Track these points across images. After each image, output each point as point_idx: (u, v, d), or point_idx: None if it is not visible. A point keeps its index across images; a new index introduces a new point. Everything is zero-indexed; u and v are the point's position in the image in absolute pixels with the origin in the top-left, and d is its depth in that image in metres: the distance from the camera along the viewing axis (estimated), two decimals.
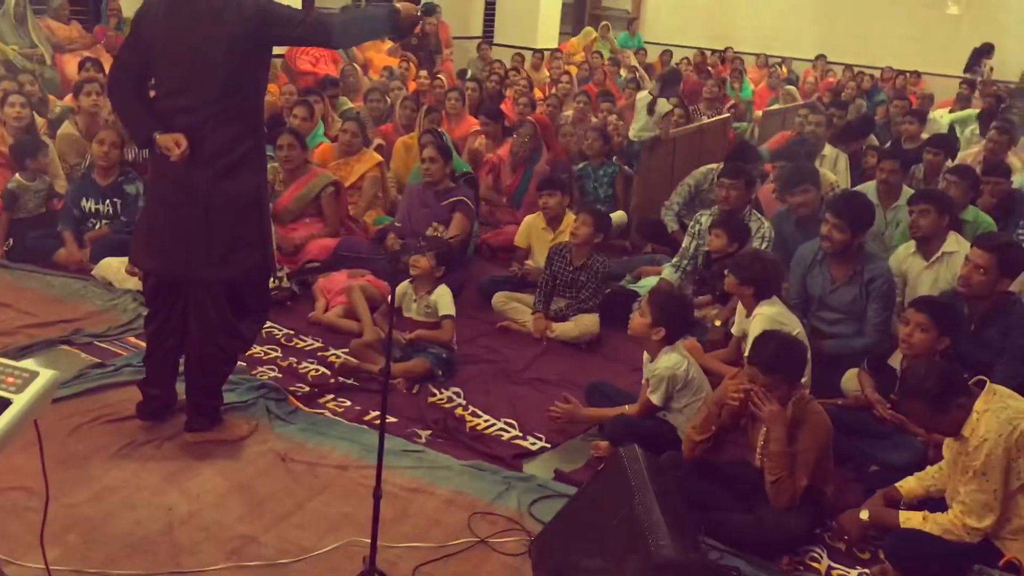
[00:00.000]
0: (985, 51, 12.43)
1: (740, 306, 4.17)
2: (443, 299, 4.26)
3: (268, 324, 4.60)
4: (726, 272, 4.10)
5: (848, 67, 12.74)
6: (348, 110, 7.60)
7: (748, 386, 3.07)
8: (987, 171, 5.70)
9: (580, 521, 2.74)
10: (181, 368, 3.51)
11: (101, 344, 4.25)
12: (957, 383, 2.84)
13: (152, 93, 3.29)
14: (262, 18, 3.07)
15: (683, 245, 5.16)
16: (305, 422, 3.71)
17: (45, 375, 1.89)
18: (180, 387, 3.55)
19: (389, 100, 7.50)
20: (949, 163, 6.48)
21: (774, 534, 3.02)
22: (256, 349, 4.32)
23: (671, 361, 3.51)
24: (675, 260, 5.17)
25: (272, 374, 4.12)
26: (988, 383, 2.87)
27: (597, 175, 6.52)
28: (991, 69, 12.26)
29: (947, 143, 6.74)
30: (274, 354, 4.34)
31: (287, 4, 3.22)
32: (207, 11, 3.06)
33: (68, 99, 6.82)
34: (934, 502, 3.10)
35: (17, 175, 5.38)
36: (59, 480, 3.03)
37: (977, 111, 9.22)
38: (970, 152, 7.38)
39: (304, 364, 4.26)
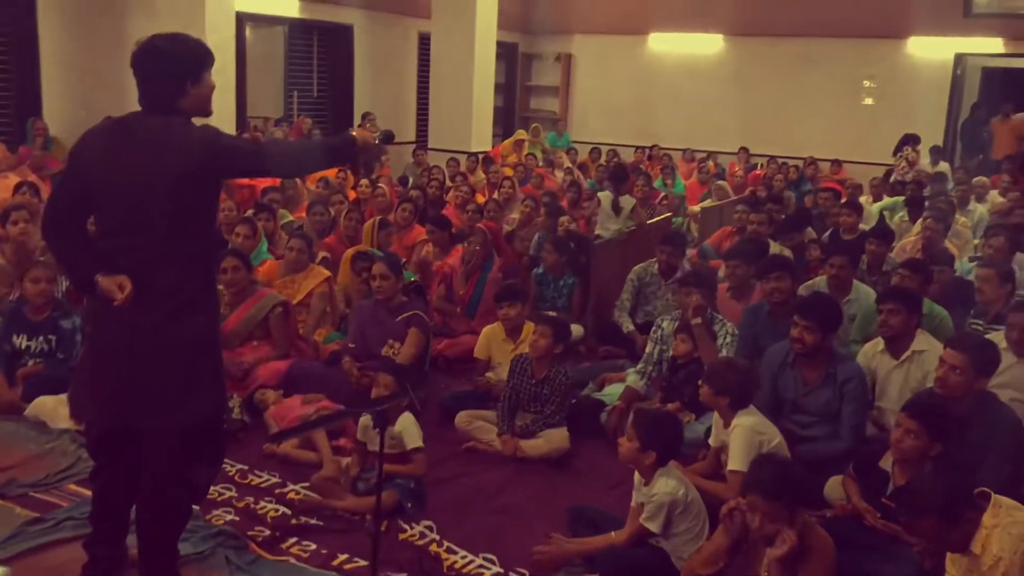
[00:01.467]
0: (909, 140, 12.94)
1: (717, 416, 4.07)
2: (409, 430, 4.01)
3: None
4: (700, 383, 4.00)
5: (771, 158, 13.12)
6: (289, 223, 7.44)
7: (751, 516, 2.95)
8: (932, 261, 5.79)
9: None
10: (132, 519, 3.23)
11: (37, 495, 3.91)
12: (967, 495, 2.75)
13: (93, 230, 3.08)
14: (209, 151, 2.84)
15: (647, 350, 5.07)
16: (270, 572, 3.43)
17: None
18: (131, 539, 3.25)
19: (332, 212, 7.37)
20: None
21: None
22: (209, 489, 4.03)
23: (669, 487, 3.35)
24: (639, 366, 5.07)
25: (228, 517, 3.83)
26: (993, 496, 2.78)
27: (556, 285, 6.45)
28: (916, 153, 12.70)
29: (887, 233, 6.89)
30: (229, 494, 4.05)
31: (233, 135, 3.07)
32: (150, 144, 2.84)
33: None
34: None
35: None
36: None
37: (903, 198, 9.51)
38: (908, 240, 7.54)
39: (262, 504, 3.98)
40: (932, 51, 13.00)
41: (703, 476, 3.99)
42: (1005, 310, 4.94)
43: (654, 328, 5.12)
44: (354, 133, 3.10)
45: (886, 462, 3.56)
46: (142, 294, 2.87)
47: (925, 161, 12.53)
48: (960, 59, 13.02)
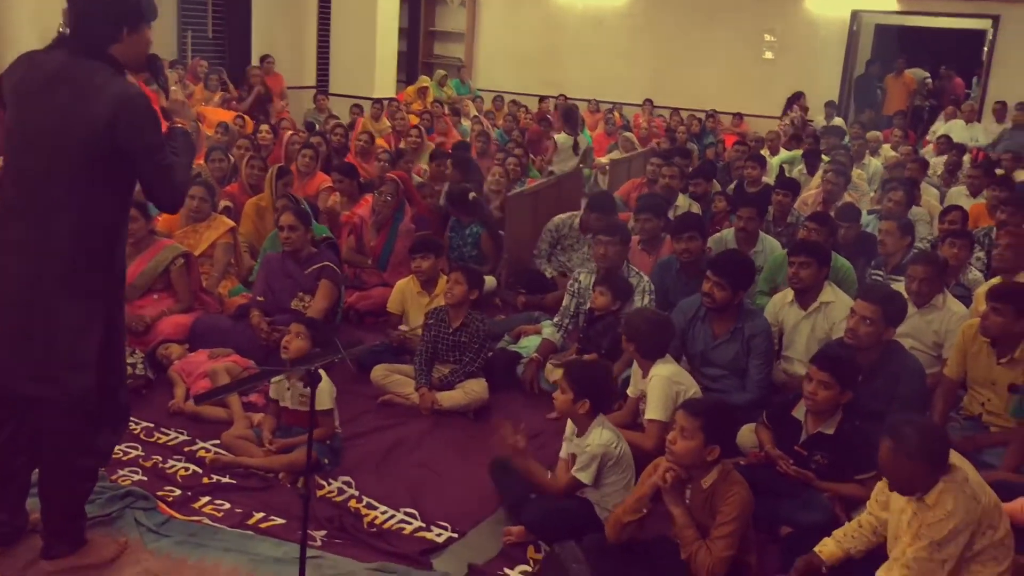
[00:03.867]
0: (796, 98, 13.30)
1: (636, 366, 4.10)
2: (320, 390, 3.84)
3: None
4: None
5: (675, 111, 13.26)
6: None
7: (675, 468, 2.98)
8: (838, 215, 5.95)
9: None
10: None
11: None
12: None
13: None
14: (117, 110, 2.61)
15: (563, 304, 5.07)
16: (182, 533, 3.29)
17: None
18: (31, 501, 3.08)
19: (232, 159, 7.07)
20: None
21: None
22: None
23: (603, 438, 3.35)
24: (556, 319, 5.07)
25: (136, 477, 3.67)
26: (951, 452, 2.84)
27: (463, 234, 6.37)
28: (804, 111, 13.07)
29: (792, 185, 7.04)
30: (135, 453, 3.88)
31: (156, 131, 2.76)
32: (69, 88, 2.63)
33: None
34: (854, 563, 3.09)
35: None
36: None
37: (801, 152, 9.75)
38: (809, 193, 7.74)
39: (171, 463, 3.83)
40: (829, 7, 13.26)
41: (621, 426, 4.02)
42: (905, 261, 5.14)
43: (571, 282, 5.12)
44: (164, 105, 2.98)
45: (799, 411, 3.66)
46: (33, 243, 2.67)
47: (820, 116, 12.89)
48: (856, 15, 13.33)
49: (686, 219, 5.50)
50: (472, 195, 6.37)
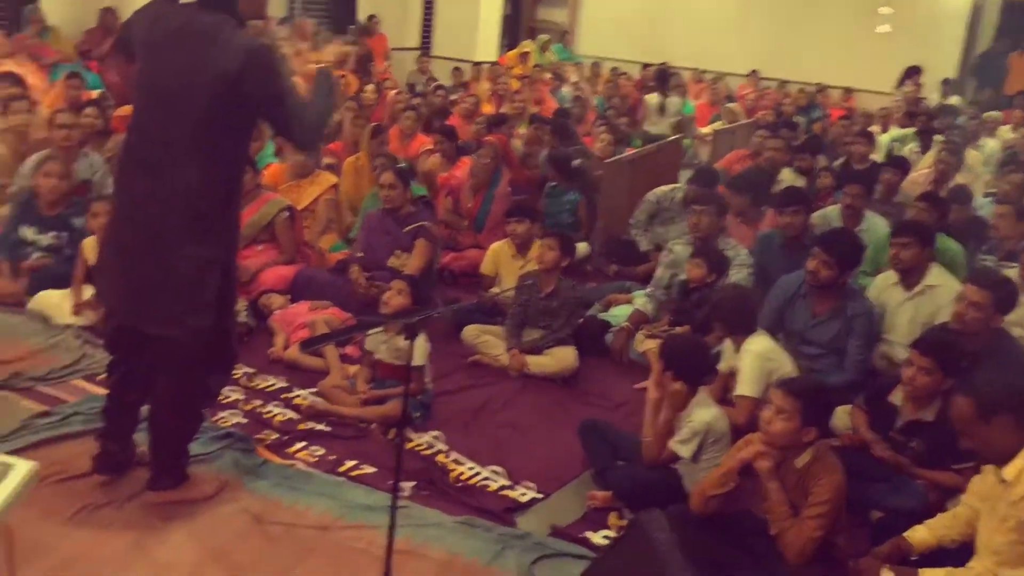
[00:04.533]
0: (913, 72, 12.72)
1: (729, 342, 4.05)
2: (416, 345, 3.93)
3: None
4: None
5: (782, 83, 12.89)
6: None
7: (769, 453, 2.95)
8: (949, 196, 5.73)
9: None
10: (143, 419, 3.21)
11: (44, 389, 3.89)
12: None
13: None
14: (246, 64, 2.69)
15: (656, 274, 5.04)
16: (277, 476, 3.42)
17: (20, 469, 1.64)
18: (139, 436, 3.25)
19: (337, 116, 7.20)
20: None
21: None
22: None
23: (708, 415, 3.33)
24: (649, 290, 5.04)
25: (236, 420, 3.82)
26: None
27: (559, 201, 6.36)
28: (919, 87, 12.52)
29: (902, 164, 6.81)
30: (235, 396, 4.04)
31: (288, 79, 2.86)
32: (196, 40, 2.73)
33: None
34: (945, 553, 3.01)
35: None
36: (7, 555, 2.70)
37: (914, 130, 9.38)
38: (920, 172, 7.46)
39: (269, 408, 3.98)
40: None
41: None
42: (1019, 247, 4.92)
43: (665, 251, 5.07)
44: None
45: (896, 396, 3.56)
46: (159, 192, 2.79)
47: (935, 94, 12.35)
48: None
49: (791, 193, 5.37)
50: (577, 161, 6.34)
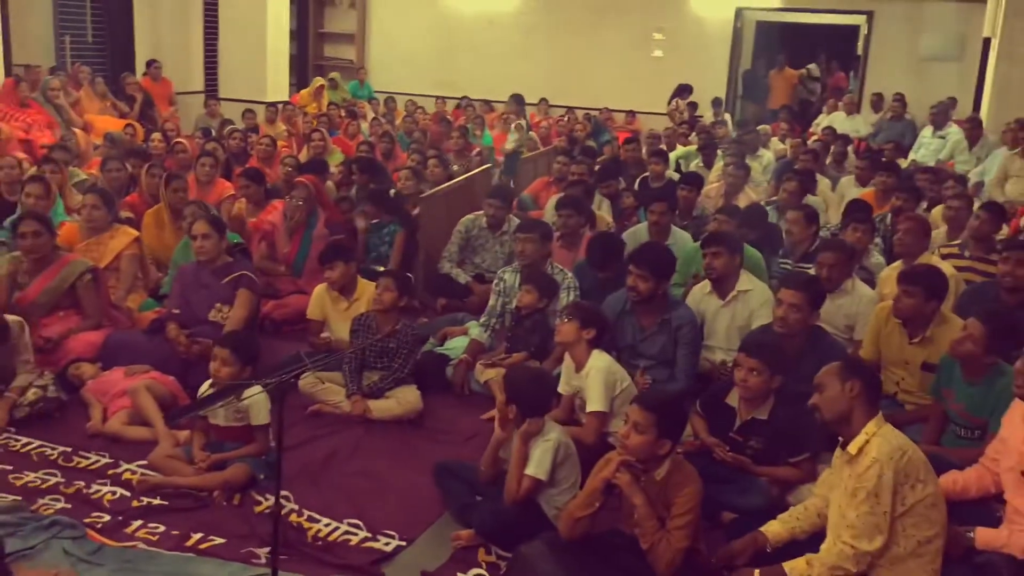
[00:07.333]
0: (681, 90, 13.56)
1: (567, 363, 4.13)
2: (258, 403, 3.71)
3: (39, 443, 3.95)
4: (567, 318, 4.01)
5: (570, 109, 13.41)
6: (82, 181, 6.78)
7: (629, 459, 3.02)
8: (748, 218, 6.11)
9: None
10: None
11: None
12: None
13: None
14: None
15: (489, 304, 5.07)
16: (117, 560, 3.15)
17: None
18: None
19: (130, 167, 6.79)
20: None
21: None
22: (30, 476, 3.68)
23: (555, 432, 3.36)
24: (482, 319, 5.06)
25: (59, 505, 3.48)
26: (879, 412, 2.98)
27: (380, 234, 6.28)
28: (688, 105, 13.32)
29: (696, 180, 7.23)
30: (54, 480, 3.69)
31: None
32: None
33: None
34: (799, 544, 3.19)
35: None
36: None
37: (695, 147, 10.02)
38: (711, 186, 7.94)
39: (95, 487, 3.66)
40: (714, 5, 13.63)
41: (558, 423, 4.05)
42: (812, 249, 5.34)
43: (496, 281, 5.11)
44: None
45: (732, 398, 3.75)
46: None
47: (708, 113, 13.24)
48: (739, 13, 13.76)
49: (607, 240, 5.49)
50: (392, 191, 6.28)
